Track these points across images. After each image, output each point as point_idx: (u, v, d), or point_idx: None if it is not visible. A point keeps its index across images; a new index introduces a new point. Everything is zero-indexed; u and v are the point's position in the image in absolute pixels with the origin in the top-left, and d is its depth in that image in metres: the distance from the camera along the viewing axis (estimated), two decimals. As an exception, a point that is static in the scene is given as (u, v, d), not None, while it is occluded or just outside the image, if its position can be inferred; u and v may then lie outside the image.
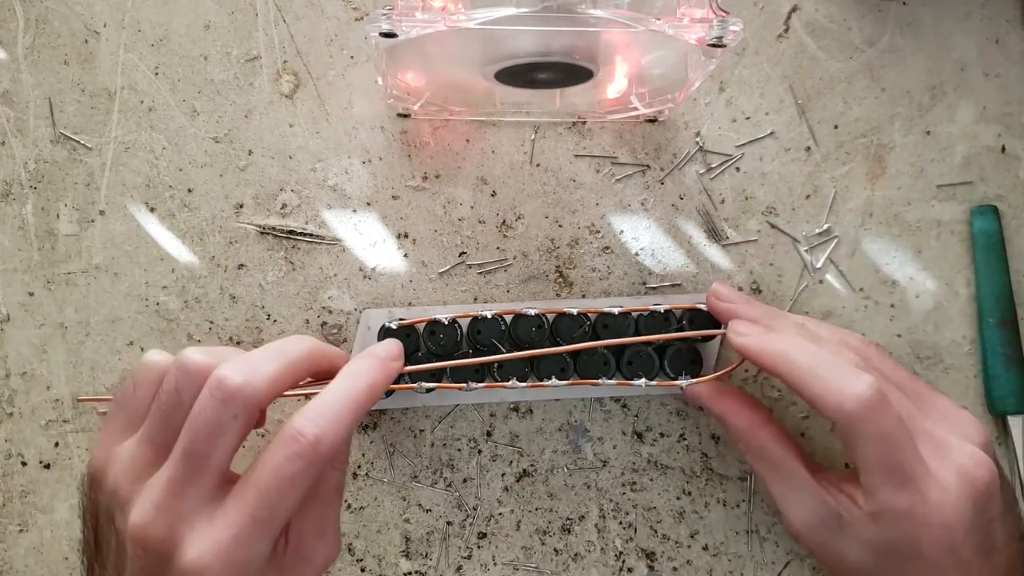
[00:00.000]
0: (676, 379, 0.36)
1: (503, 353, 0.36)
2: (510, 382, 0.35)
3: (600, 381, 0.36)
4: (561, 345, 0.36)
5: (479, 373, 0.36)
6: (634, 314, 0.36)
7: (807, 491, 0.34)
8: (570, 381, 0.36)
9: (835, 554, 0.33)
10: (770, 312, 0.35)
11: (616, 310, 0.36)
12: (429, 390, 0.34)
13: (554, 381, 0.36)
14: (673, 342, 0.36)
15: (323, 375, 0.31)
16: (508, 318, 0.36)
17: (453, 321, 0.36)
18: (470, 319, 0.36)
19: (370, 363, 0.31)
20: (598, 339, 0.37)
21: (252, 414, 0.27)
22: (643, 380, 0.36)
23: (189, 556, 0.25)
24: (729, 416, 0.35)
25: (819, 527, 0.33)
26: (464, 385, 0.35)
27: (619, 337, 0.36)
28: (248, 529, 0.26)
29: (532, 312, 0.36)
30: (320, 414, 0.27)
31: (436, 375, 0.36)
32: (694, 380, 0.36)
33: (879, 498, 0.30)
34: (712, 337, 0.36)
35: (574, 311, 0.36)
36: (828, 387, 0.30)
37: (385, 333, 0.36)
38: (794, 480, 0.34)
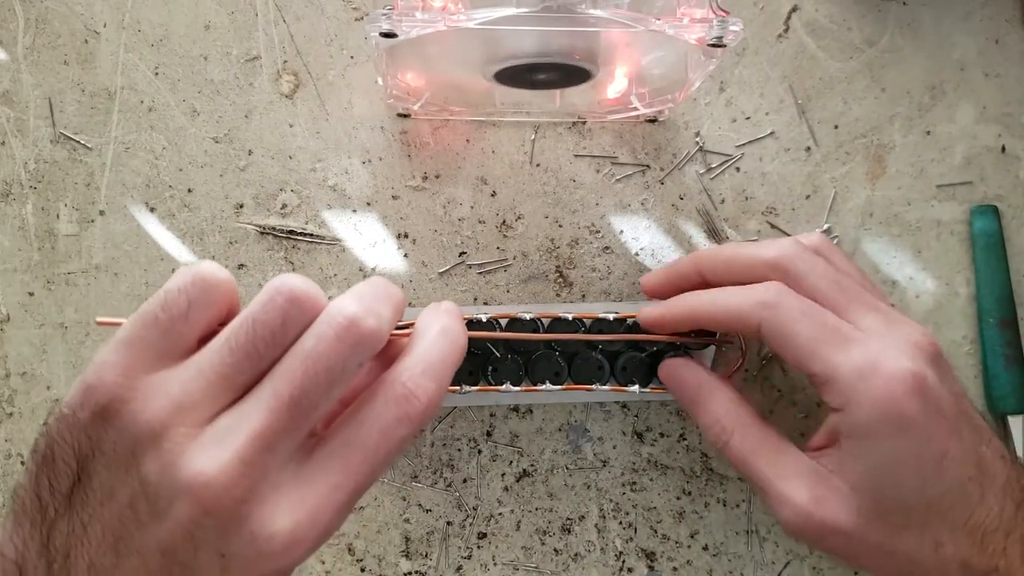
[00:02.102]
0: None
1: (497, 356, 0.36)
2: (504, 386, 0.35)
3: (594, 387, 0.36)
4: (557, 351, 0.36)
5: (473, 376, 0.36)
6: (629, 320, 0.36)
7: (798, 459, 0.30)
8: (564, 386, 0.36)
9: (838, 524, 0.28)
10: (691, 260, 0.34)
11: (611, 315, 0.36)
12: None
13: (548, 386, 0.36)
14: (668, 348, 0.36)
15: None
16: (504, 322, 0.36)
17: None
18: (465, 322, 0.36)
19: (457, 325, 0.27)
20: (594, 346, 0.36)
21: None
22: (636, 387, 0.36)
23: (280, 525, 0.22)
24: (703, 404, 0.33)
25: (820, 494, 0.29)
26: (458, 388, 0.35)
27: (614, 343, 0.36)
28: (351, 496, 0.23)
29: (528, 316, 0.36)
30: (428, 373, 0.24)
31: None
32: None
33: (829, 366, 0.27)
34: (706, 345, 0.36)
35: (569, 316, 0.36)
36: (729, 307, 0.30)
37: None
38: (783, 452, 0.31)
